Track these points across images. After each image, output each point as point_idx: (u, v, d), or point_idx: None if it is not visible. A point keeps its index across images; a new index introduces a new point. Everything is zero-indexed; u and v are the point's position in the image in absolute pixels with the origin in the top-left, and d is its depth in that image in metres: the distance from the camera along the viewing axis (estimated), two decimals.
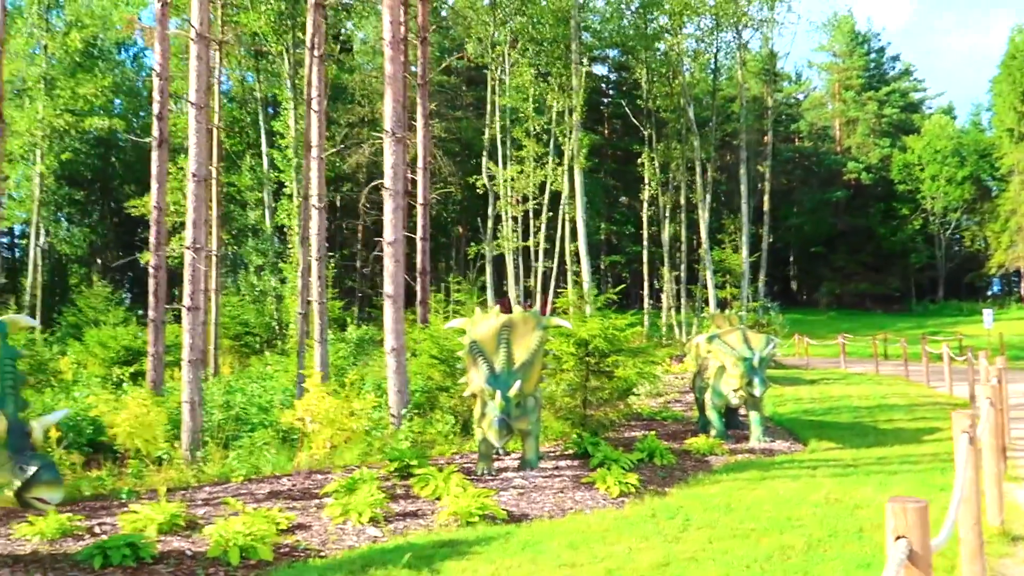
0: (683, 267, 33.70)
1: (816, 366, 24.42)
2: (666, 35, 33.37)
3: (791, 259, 63.96)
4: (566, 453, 8.68)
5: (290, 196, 24.31)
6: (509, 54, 30.49)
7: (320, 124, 12.34)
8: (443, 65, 36.60)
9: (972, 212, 60.14)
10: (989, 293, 63.21)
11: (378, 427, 9.17)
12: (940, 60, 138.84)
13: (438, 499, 6.44)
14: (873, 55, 67.63)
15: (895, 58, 69.55)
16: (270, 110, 33.36)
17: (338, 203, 41.95)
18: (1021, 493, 6.70)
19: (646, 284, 36.26)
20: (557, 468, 7.92)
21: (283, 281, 22.53)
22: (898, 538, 2.20)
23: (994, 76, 58.71)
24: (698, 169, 32.45)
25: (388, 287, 10.32)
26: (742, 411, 10.36)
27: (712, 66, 36.45)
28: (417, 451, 7.85)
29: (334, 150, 28.27)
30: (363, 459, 8.31)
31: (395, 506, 6.42)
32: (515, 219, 30.90)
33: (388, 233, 10.43)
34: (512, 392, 7.16)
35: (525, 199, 30.87)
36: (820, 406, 13.19)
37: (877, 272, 58.75)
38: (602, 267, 49.83)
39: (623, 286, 20.77)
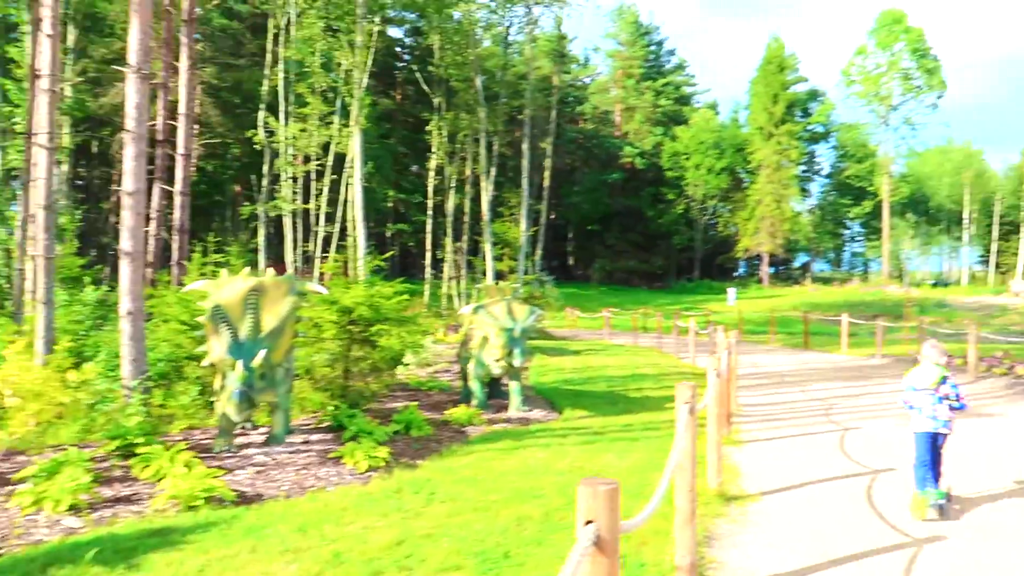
0: (466, 238, 34.13)
1: (583, 337, 25.83)
2: (460, 1, 33.19)
3: (569, 235, 67.28)
4: (320, 426, 8.25)
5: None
6: (296, 2, 28.70)
7: (54, 50, 10.62)
8: (215, 2, 33.61)
9: (726, 200, 66.85)
10: (736, 274, 70.77)
11: (105, 400, 8.13)
12: (710, 59, 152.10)
13: (160, 481, 5.76)
14: (653, 47, 72.34)
15: (671, 52, 75.00)
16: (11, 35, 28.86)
17: (93, 149, 37.51)
18: (740, 456, 7.30)
19: (428, 254, 36.27)
20: (307, 443, 7.47)
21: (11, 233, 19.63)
22: (587, 522, 2.08)
23: (752, 78, 65.32)
24: (483, 141, 32.84)
25: (126, 243, 9.14)
26: (505, 381, 10.51)
27: (504, 40, 36.92)
28: (146, 426, 7.02)
29: (74, 82, 24.96)
30: (82, 437, 7.32)
31: (107, 491, 5.65)
32: (295, 179, 29.40)
33: (128, 182, 9.22)
34: (255, 362, 6.59)
35: (308, 159, 29.45)
36: (580, 376, 13.82)
37: (644, 251, 63.52)
38: (388, 235, 49.20)
39: (392, 253, 20.45)
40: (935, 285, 64.09)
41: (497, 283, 19.67)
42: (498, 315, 9.38)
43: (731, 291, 31.10)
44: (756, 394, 11.77)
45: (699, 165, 63.20)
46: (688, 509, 3.94)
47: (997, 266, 72.29)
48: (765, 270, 63.81)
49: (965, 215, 72.64)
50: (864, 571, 4.34)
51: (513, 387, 9.80)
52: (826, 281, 66.26)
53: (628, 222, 62.83)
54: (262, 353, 6.68)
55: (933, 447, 5.44)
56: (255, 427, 8.09)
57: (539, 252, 35.49)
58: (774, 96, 60.75)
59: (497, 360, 9.35)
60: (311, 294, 8.46)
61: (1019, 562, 4.49)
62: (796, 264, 78.48)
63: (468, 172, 35.24)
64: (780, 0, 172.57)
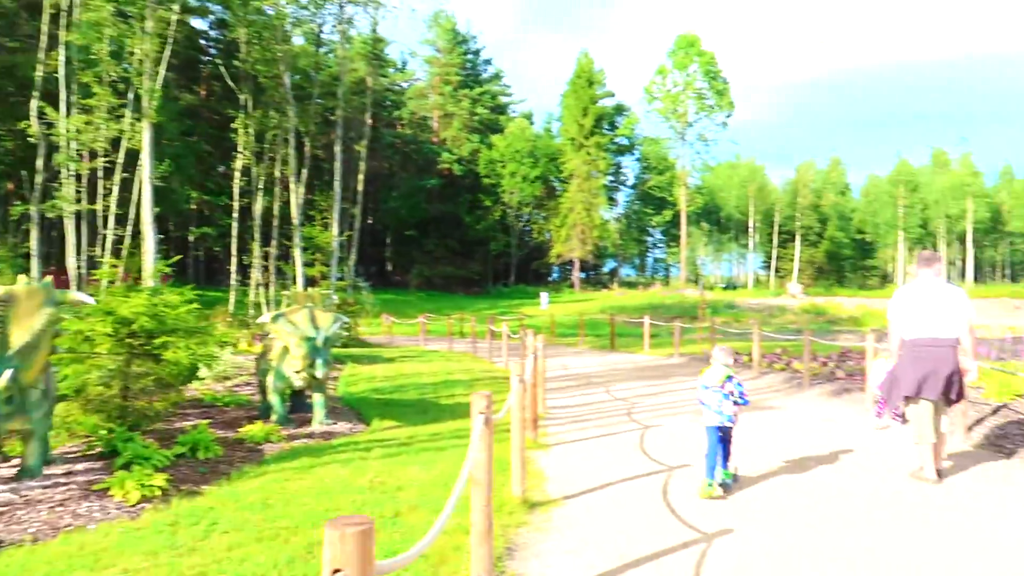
0: (275, 243, 32.51)
1: (399, 344, 25.42)
2: None
3: (387, 241, 66.47)
4: (90, 453, 7.28)
5: None
6: None
7: None
8: None
9: (541, 208, 69.06)
10: (550, 279, 73.27)
11: None
12: (526, 70, 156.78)
13: None
14: (470, 56, 73.21)
15: (488, 62, 76.30)
16: None
17: None
18: (547, 460, 7.29)
19: (234, 259, 34.16)
20: (70, 474, 6.54)
21: None
22: (335, 572, 1.77)
23: (564, 92, 68.03)
24: (292, 142, 31.46)
25: None
26: (309, 393, 9.92)
27: (317, 38, 35.68)
28: None
29: None
30: None
31: None
32: (79, 177, 26.55)
33: None
34: (0, 383, 5.65)
35: (94, 155, 26.70)
36: (392, 384, 13.44)
37: (462, 257, 64.06)
38: (191, 239, 45.92)
39: (179, 257, 18.94)
40: (726, 288, 70.06)
41: (307, 290, 18.81)
42: (299, 323, 8.81)
43: (543, 296, 32.09)
44: (564, 396, 12.00)
45: (514, 173, 64.83)
46: (484, 525, 3.74)
47: (777, 270, 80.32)
48: (576, 275, 66.62)
49: (750, 224, 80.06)
50: (660, 570, 4.38)
51: (317, 399, 9.26)
52: (632, 285, 70.31)
53: (446, 228, 63.13)
54: (8, 373, 5.74)
55: (720, 439, 6.02)
56: (6, 459, 6.98)
57: (353, 257, 34.51)
58: (584, 109, 63.69)
59: (298, 372, 8.77)
60: (77, 304, 7.45)
61: (795, 543, 4.73)
62: (605, 269, 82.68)
63: (277, 173, 33.58)
64: (591, 17, 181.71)
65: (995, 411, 8.88)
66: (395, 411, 10.32)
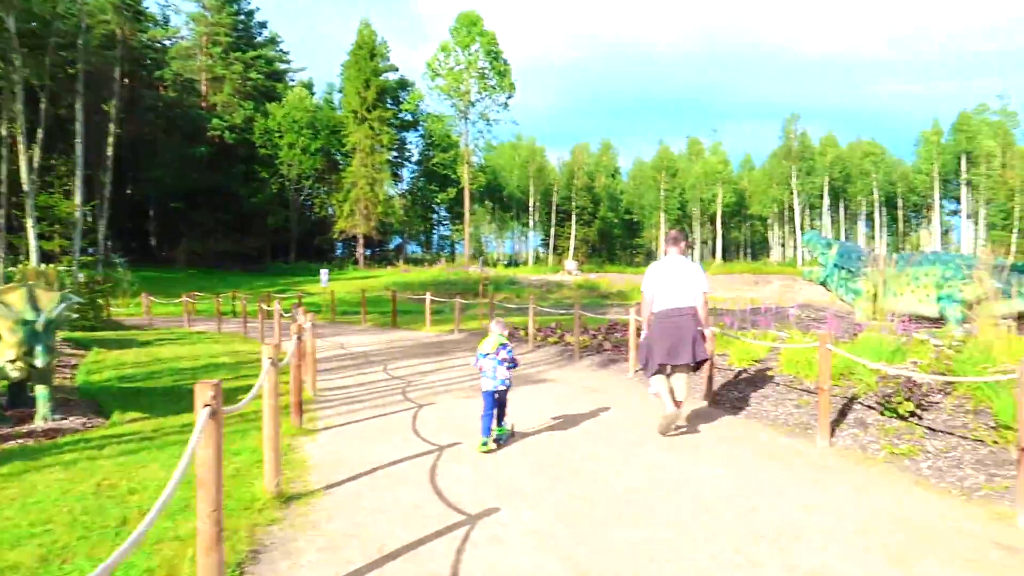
0: (2, 212, 28.21)
1: (160, 326, 23.22)
2: None
3: (151, 213, 60.75)
4: None
5: None
6: None
7: None
8: None
9: (322, 181, 66.58)
10: (334, 256, 71.14)
11: None
12: (308, 37, 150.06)
13: None
14: (242, 16, 68.32)
15: (263, 24, 71.69)
16: None
17: None
18: (312, 447, 6.81)
19: None
20: None
21: None
22: None
23: (345, 61, 65.71)
24: (21, 96, 27.35)
25: None
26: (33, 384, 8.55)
27: None
28: None
29: None
30: None
31: None
32: None
33: None
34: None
35: None
36: (144, 370, 12.09)
37: (237, 232, 60.10)
38: None
39: None
40: (508, 265, 72.21)
41: (43, 266, 16.46)
42: (14, 305, 7.50)
43: (324, 272, 30.88)
44: (338, 376, 11.48)
45: (293, 144, 61.84)
46: (212, 532, 3.25)
47: (555, 248, 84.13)
48: (361, 252, 65.20)
49: (530, 203, 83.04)
50: (419, 560, 4.14)
51: (40, 392, 7.98)
52: (417, 262, 70.17)
53: (218, 200, 58.75)
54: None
55: (496, 401, 6.74)
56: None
57: (103, 230, 30.87)
58: (366, 81, 62.01)
59: (13, 361, 7.48)
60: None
61: (552, 519, 4.72)
62: (391, 246, 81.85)
63: (3, 132, 29.06)
64: None
65: (736, 375, 9.70)
66: (142, 401, 9.22)
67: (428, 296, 21.34)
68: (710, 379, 8.82)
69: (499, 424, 6.86)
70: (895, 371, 6.41)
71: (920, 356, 8.16)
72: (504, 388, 6.76)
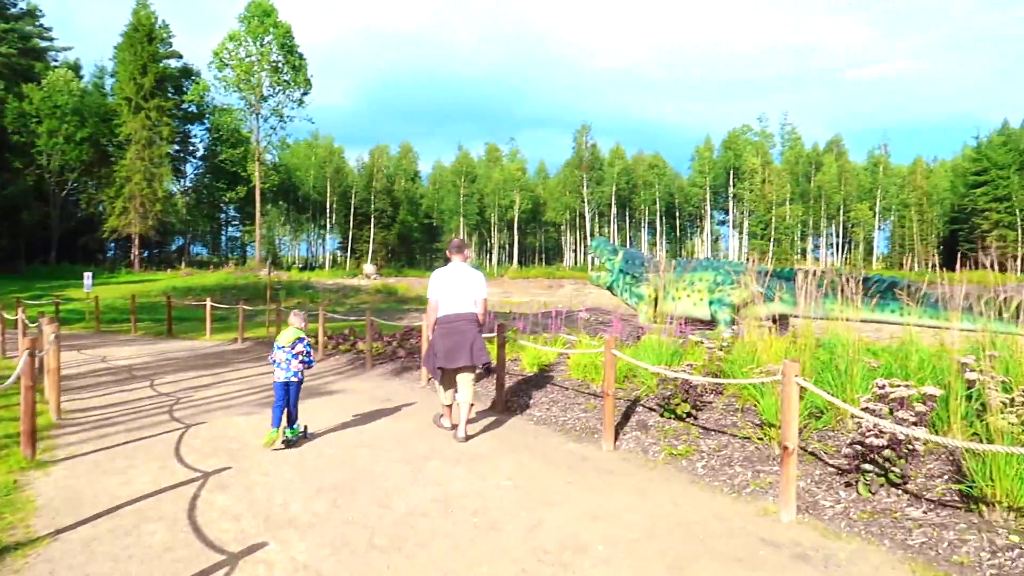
0: None
1: None
2: None
3: None
4: None
5: None
6: None
7: None
8: None
9: (90, 175, 60.02)
10: (104, 257, 64.54)
11: None
12: (78, 14, 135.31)
13: None
14: None
15: None
16: None
17: None
18: (45, 483, 5.79)
19: None
20: None
21: None
22: None
23: (118, 44, 59.75)
24: None
25: None
26: None
27: None
28: None
29: None
30: None
31: None
32: None
33: None
34: None
35: None
36: None
37: None
38: None
39: None
40: (303, 269, 69.46)
41: None
42: None
43: (87, 276, 27.49)
44: (94, 395, 10.11)
45: (55, 131, 55.17)
46: None
47: (353, 251, 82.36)
48: (136, 253, 59.49)
49: (328, 205, 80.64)
50: None
51: None
52: (203, 265, 65.50)
53: None
54: None
55: (286, 393, 6.87)
56: None
57: None
58: (143, 67, 56.78)
59: None
60: None
61: (329, 552, 4.27)
62: (172, 247, 75.81)
63: None
64: None
65: (527, 380, 9.73)
66: None
67: (208, 302, 19.71)
68: (501, 385, 8.72)
69: (290, 426, 6.91)
70: (673, 374, 6.63)
71: (695, 358, 8.59)
72: (296, 380, 6.90)
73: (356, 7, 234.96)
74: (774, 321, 12.21)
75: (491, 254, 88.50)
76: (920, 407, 5.58)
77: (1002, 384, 5.66)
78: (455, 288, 7.19)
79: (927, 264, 73.13)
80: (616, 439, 6.87)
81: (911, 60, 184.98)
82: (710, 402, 7.49)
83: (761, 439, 6.26)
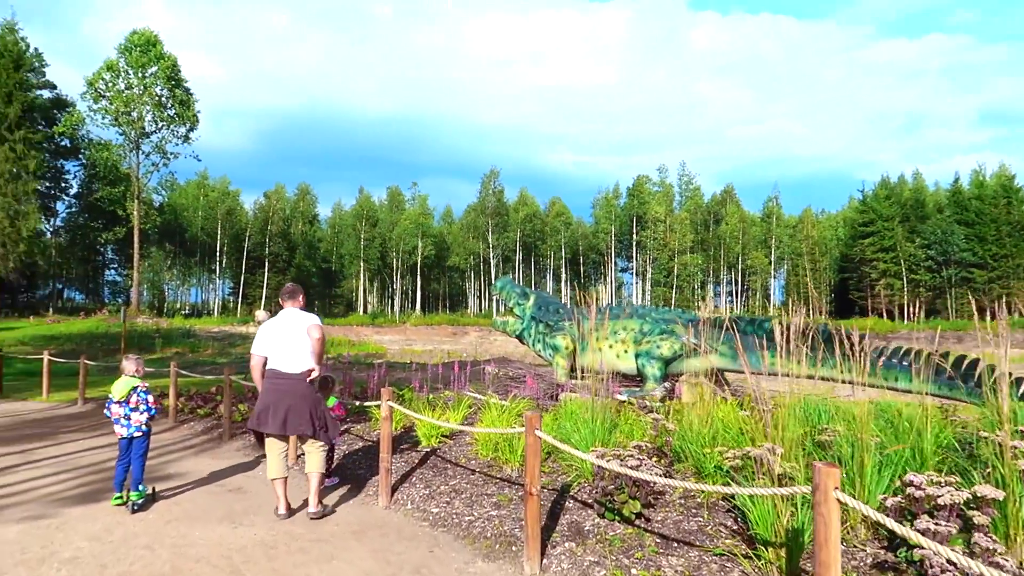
0: None
1: None
2: None
3: None
4: None
5: None
6: None
7: None
8: None
9: None
10: None
11: None
12: None
13: None
14: None
15: None
16: None
17: None
18: None
19: None
20: None
21: None
22: None
23: None
24: None
25: None
26: None
27: None
28: None
29: None
30: None
31: None
32: None
33: None
34: None
35: None
36: None
37: None
38: None
39: None
40: (189, 316, 64.68)
41: None
42: None
43: None
44: None
45: None
46: None
47: (245, 297, 77.87)
48: None
49: (219, 248, 76.18)
50: None
51: None
52: (74, 311, 59.90)
53: None
54: None
55: (129, 449, 6.39)
56: None
57: None
58: (8, 95, 51.86)
59: None
60: None
61: None
62: (43, 292, 69.48)
63: None
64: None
65: (423, 459, 7.65)
66: None
67: (46, 355, 16.59)
68: (388, 471, 6.63)
69: (134, 488, 6.33)
70: (620, 469, 4.71)
71: (638, 433, 6.79)
72: (141, 434, 6.44)
73: (249, 49, 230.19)
74: (711, 376, 10.63)
75: (393, 300, 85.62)
76: (979, 517, 3.90)
77: None
78: (285, 341, 6.09)
79: (820, 312, 75.38)
80: (543, 555, 4.91)
81: (789, 120, 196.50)
82: (662, 493, 5.66)
83: (751, 559, 4.43)
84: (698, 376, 10.26)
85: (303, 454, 6.40)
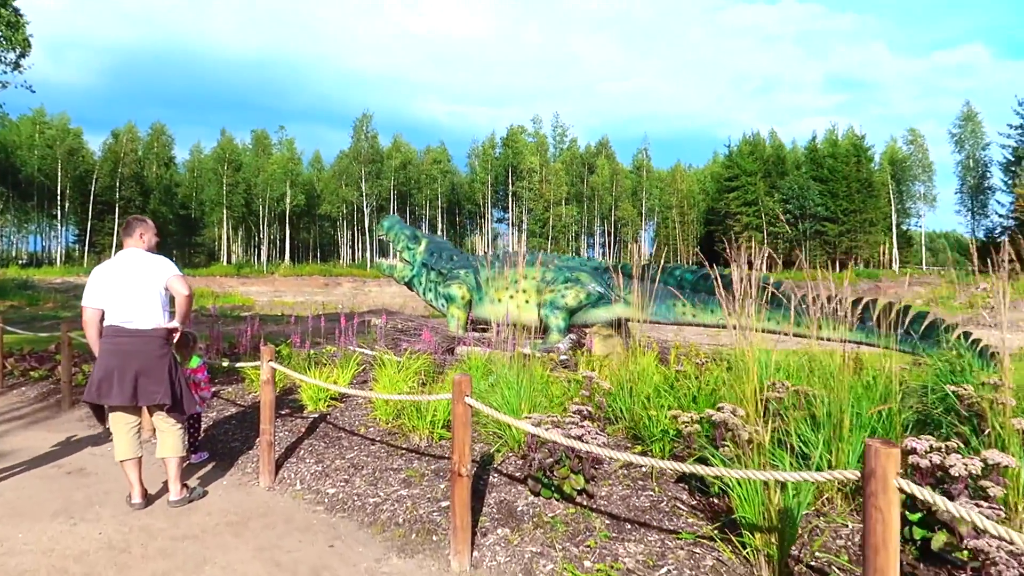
0: None
1: None
2: None
3: None
4: None
5: None
6: None
7: None
8: None
9: None
10: None
11: None
12: None
13: None
14: None
15: None
16: None
17: None
18: None
19: None
20: None
21: None
22: None
23: None
24: None
25: None
26: None
27: None
28: None
29: None
30: None
31: None
32: None
33: None
34: None
35: None
36: None
37: None
38: None
39: None
40: (26, 265, 58.61)
41: None
42: None
43: None
44: None
45: None
46: None
47: (93, 245, 71.64)
48: None
49: (60, 191, 69.38)
50: None
51: None
52: None
53: None
54: None
55: None
56: None
57: None
58: None
59: None
60: None
61: None
62: None
63: None
64: None
65: (311, 428, 6.58)
66: None
67: None
68: (271, 444, 5.52)
69: None
70: (565, 440, 3.85)
71: (557, 391, 6.01)
72: None
73: None
74: (618, 326, 10.06)
75: (260, 250, 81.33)
76: (992, 488, 3.36)
77: None
78: (122, 289, 4.81)
79: (688, 262, 78.17)
80: (473, 545, 4.04)
81: (657, 78, 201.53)
82: (601, 462, 4.91)
83: (730, 543, 3.73)
84: (610, 328, 9.65)
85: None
